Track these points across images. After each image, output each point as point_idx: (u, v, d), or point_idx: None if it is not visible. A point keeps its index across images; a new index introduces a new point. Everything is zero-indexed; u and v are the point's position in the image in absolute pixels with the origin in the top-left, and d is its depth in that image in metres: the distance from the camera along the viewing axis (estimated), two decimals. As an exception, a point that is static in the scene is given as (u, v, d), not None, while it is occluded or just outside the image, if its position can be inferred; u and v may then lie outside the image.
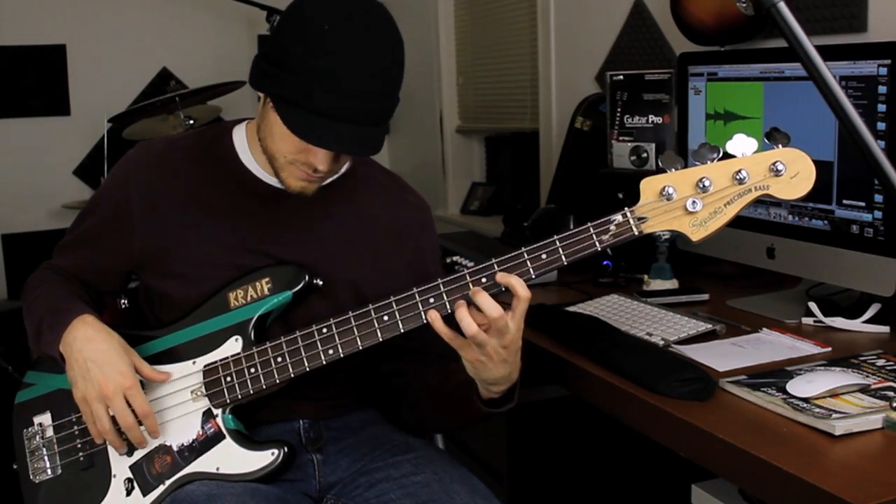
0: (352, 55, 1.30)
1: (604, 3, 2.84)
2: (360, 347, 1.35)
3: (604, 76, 2.37)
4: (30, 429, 1.54)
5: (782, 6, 1.10)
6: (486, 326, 1.24)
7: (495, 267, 1.27)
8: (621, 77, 2.26)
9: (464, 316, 1.24)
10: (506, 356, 1.27)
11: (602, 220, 1.25)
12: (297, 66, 1.31)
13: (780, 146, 1.22)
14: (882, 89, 1.58)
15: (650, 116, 2.20)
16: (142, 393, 1.39)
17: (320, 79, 1.29)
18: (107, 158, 3.65)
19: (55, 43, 4.01)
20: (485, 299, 1.24)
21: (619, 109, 2.25)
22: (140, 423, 1.41)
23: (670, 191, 1.23)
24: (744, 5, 1.88)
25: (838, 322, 1.69)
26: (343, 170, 1.52)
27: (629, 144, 2.23)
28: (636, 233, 1.24)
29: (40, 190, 4.02)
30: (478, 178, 4.06)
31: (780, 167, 1.21)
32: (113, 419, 1.40)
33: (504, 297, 1.26)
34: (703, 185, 1.23)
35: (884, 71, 1.57)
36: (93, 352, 1.40)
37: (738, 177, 1.22)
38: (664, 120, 2.18)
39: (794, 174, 1.21)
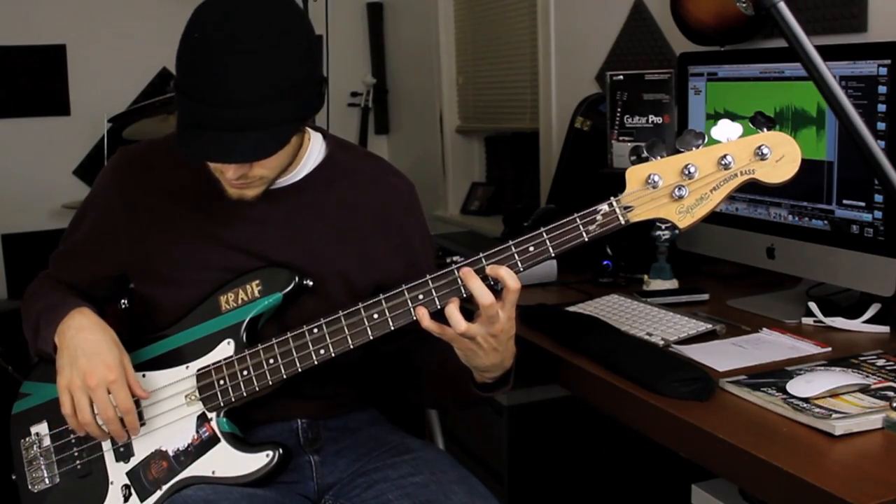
0: (215, 65, 1.25)
1: (604, 3, 2.84)
2: (352, 346, 1.34)
3: (604, 76, 2.37)
4: (27, 439, 1.53)
5: (782, 6, 1.10)
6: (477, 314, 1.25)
7: (483, 261, 1.27)
8: (621, 77, 2.25)
9: (453, 312, 1.25)
10: (496, 345, 1.28)
11: (588, 210, 1.25)
12: (177, 82, 1.30)
13: (764, 130, 1.21)
14: (882, 89, 1.57)
15: (650, 116, 2.20)
16: (126, 388, 1.39)
17: (189, 92, 1.28)
18: (107, 158, 3.65)
19: (55, 43, 4.02)
20: (476, 285, 1.24)
21: (619, 109, 2.25)
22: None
23: (656, 178, 1.23)
24: (744, 5, 1.87)
25: (838, 322, 1.68)
26: (273, 171, 1.41)
27: (629, 144, 2.23)
28: (622, 222, 1.24)
29: (40, 190, 4.02)
30: (478, 178, 4.06)
31: (765, 151, 1.20)
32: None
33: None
34: (689, 172, 1.22)
35: (884, 71, 1.57)
36: (83, 341, 1.40)
37: (723, 162, 1.21)
38: (664, 120, 2.18)
39: (780, 157, 1.21)
